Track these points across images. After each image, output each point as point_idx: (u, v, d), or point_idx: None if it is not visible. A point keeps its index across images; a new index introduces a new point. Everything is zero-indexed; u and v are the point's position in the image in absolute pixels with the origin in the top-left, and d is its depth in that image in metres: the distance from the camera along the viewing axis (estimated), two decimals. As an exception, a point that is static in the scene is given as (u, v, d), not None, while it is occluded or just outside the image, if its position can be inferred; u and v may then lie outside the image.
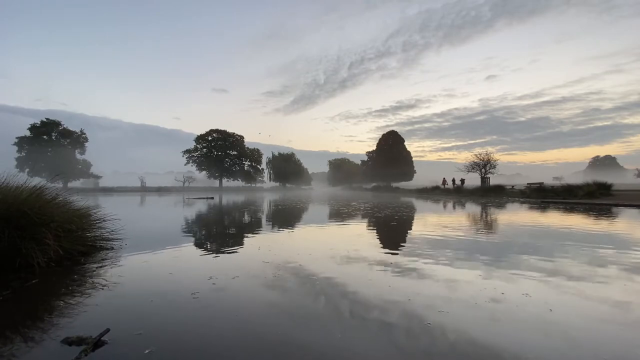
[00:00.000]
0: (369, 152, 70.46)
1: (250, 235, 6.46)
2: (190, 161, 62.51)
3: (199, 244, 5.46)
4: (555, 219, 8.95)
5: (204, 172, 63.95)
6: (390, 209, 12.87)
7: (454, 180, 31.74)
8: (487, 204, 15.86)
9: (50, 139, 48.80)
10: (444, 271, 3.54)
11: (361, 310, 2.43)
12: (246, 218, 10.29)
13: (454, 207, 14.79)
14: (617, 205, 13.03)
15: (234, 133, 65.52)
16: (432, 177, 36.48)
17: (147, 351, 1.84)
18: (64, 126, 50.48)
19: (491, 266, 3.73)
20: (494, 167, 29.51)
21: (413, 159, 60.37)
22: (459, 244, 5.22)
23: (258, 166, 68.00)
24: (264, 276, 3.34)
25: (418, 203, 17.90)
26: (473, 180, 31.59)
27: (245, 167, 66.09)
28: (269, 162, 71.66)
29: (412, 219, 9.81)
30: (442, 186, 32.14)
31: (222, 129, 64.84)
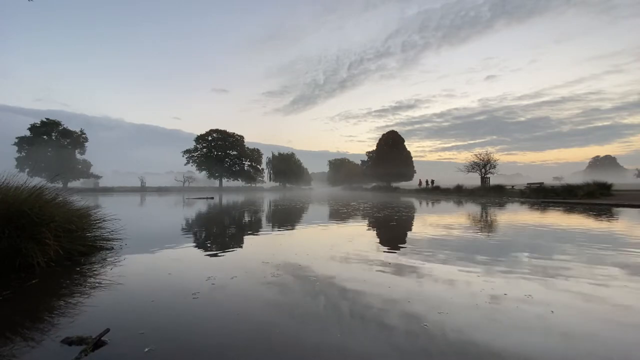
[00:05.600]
0: (368, 152, 70.49)
1: (249, 235, 6.46)
2: (190, 161, 62.47)
3: (198, 244, 5.46)
4: (555, 219, 8.95)
5: (204, 172, 63.92)
6: (390, 209, 12.86)
7: (427, 181, 38.32)
8: (487, 204, 15.85)
9: (50, 139, 48.82)
10: (444, 271, 3.54)
11: (360, 311, 2.43)
12: (246, 218, 10.29)
13: (453, 207, 14.78)
14: (617, 205, 13.02)
15: (234, 133, 65.52)
16: (432, 177, 38.35)
17: (146, 349, 1.84)
18: (64, 126, 50.51)
19: (491, 266, 3.73)
20: (494, 167, 29.62)
21: (413, 159, 60.31)
22: (459, 244, 5.21)
23: (258, 166, 67.99)
24: (263, 276, 3.34)
25: (417, 203, 17.90)
26: (473, 180, 31.81)
27: (245, 167, 66.08)
28: (269, 162, 71.63)
29: (412, 219, 9.81)
30: (419, 186, 39.15)
31: (222, 129, 64.87)
